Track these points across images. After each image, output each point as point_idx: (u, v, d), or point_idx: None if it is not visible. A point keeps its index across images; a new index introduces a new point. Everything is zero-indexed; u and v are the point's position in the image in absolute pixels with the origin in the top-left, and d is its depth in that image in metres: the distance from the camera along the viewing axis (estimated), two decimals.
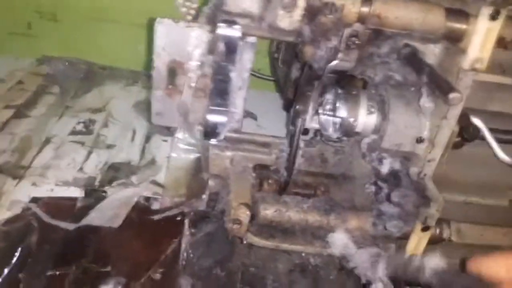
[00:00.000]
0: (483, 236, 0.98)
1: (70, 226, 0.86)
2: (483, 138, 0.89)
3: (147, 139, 1.21)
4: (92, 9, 1.47)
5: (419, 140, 0.83)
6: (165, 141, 1.22)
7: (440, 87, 0.69)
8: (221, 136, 0.95)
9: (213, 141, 0.94)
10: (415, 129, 0.82)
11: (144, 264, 0.83)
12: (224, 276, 1.20)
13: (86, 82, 1.42)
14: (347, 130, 0.85)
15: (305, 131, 0.94)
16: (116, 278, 0.77)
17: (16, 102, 1.24)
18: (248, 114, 1.37)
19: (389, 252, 0.96)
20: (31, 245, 0.82)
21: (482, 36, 0.73)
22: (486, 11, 0.71)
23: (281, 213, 0.91)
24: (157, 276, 0.81)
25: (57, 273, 0.77)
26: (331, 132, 0.89)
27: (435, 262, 0.88)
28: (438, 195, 0.86)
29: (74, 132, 1.17)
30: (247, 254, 1.21)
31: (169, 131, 1.29)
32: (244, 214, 0.87)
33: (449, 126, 0.79)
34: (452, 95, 0.66)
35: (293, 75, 1.14)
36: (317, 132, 1.00)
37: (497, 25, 0.71)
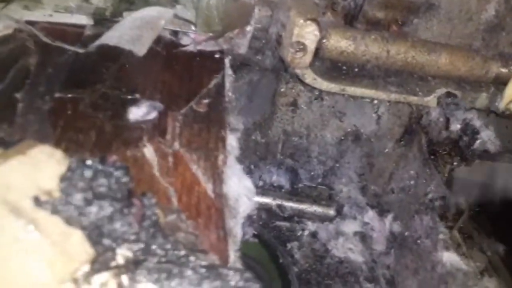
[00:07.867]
0: None
1: (80, 49, 0.64)
2: None
3: None
4: None
5: None
6: None
7: None
8: None
9: None
10: None
11: (181, 95, 0.63)
12: (264, 144, 1.01)
13: None
14: None
15: None
16: (151, 102, 0.57)
17: None
18: None
19: None
20: (28, 66, 0.60)
21: None
22: None
23: (357, 41, 0.69)
24: (202, 108, 0.61)
25: (68, 95, 0.56)
26: None
27: None
28: None
29: None
30: (289, 120, 1.01)
31: None
32: (312, 35, 0.65)
33: None
34: None
35: None
36: None
37: None
